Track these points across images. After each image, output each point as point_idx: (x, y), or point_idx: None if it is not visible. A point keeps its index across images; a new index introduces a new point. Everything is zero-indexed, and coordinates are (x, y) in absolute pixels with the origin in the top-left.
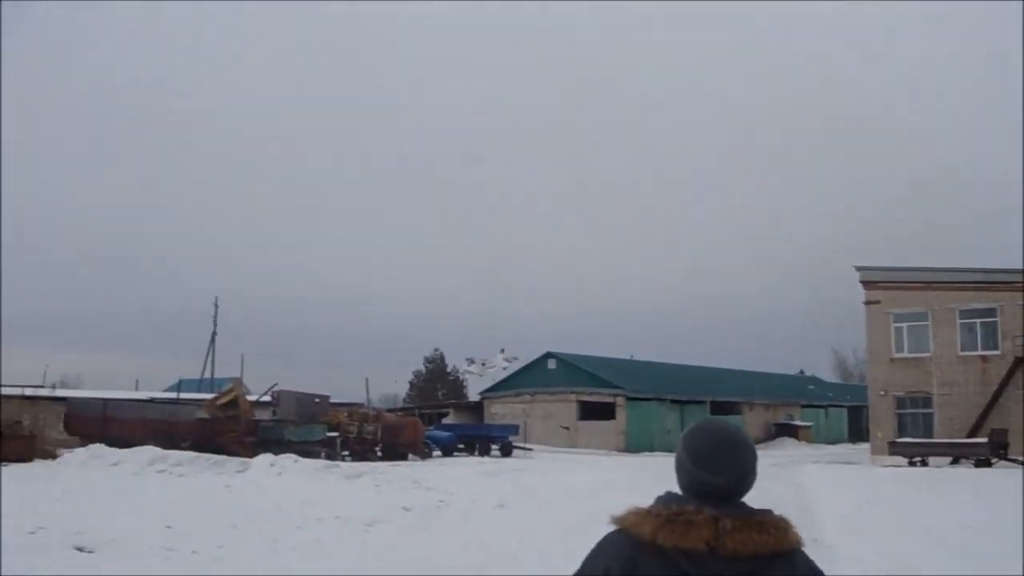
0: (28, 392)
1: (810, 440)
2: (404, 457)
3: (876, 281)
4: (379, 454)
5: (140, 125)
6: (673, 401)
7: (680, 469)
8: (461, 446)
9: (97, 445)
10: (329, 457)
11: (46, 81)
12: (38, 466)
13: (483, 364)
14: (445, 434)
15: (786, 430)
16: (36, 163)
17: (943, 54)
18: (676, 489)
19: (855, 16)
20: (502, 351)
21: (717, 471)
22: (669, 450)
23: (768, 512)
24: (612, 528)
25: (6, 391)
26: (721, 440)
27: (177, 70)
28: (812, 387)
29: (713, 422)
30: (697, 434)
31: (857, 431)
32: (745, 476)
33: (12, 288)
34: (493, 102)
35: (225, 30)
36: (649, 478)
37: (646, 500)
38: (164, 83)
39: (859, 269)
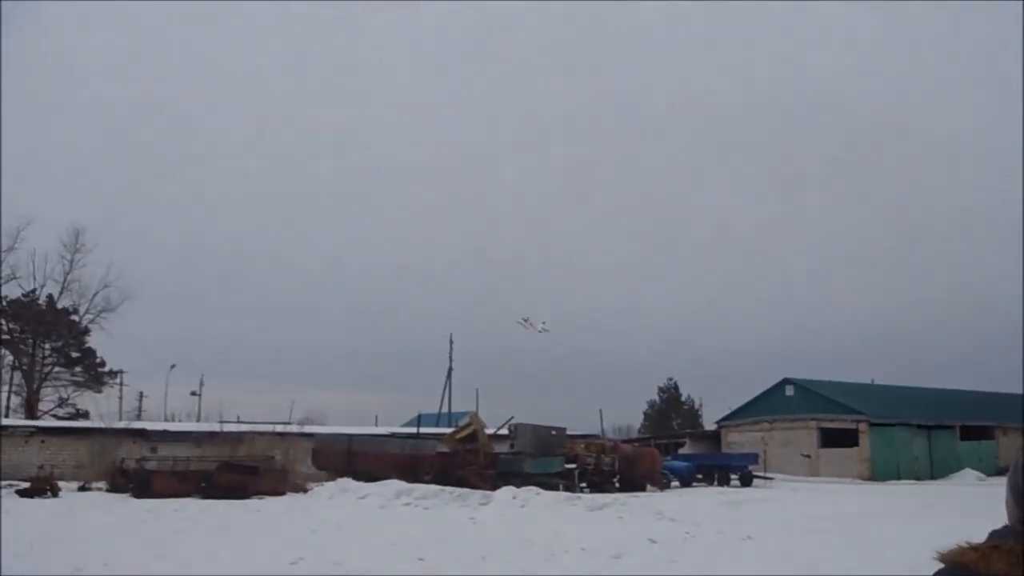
0: (279, 428)
1: None
2: (642, 488)
3: None
4: (617, 485)
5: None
6: (920, 426)
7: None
8: (699, 476)
9: (345, 479)
10: (568, 489)
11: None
12: (291, 499)
13: None
14: (683, 464)
15: None
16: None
17: None
18: (963, 519)
19: None
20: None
21: None
22: (917, 478)
23: None
24: (940, 566)
25: (259, 428)
26: None
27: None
28: None
29: None
30: None
31: None
32: None
33: (257, 330)
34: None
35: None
36: (909, 508)
37: (919, 531)
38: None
39: None
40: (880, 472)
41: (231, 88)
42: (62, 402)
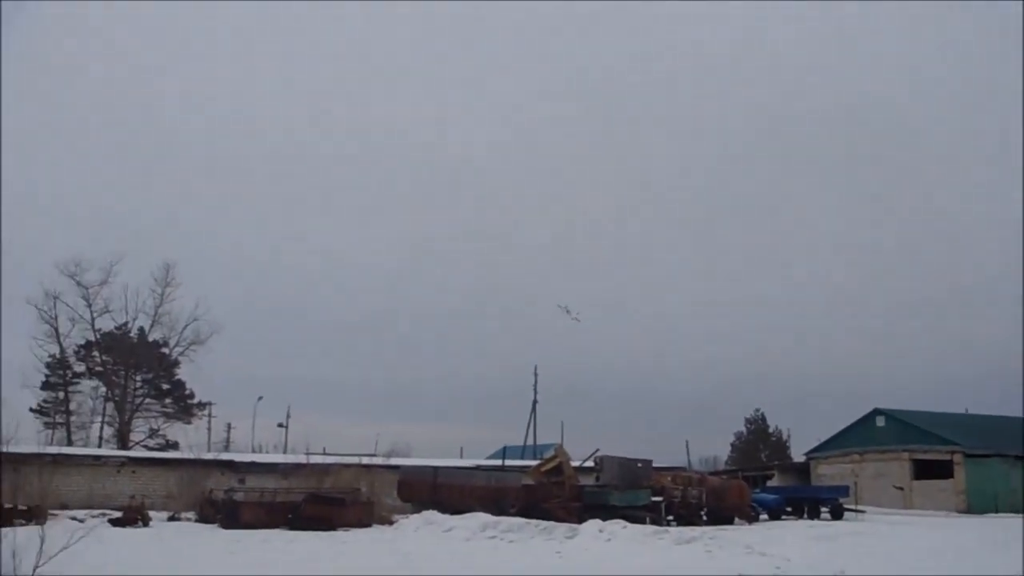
0: (364, 461)
1: None
2: (730, 521)
3: None
4: (704, 518)
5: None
6: (1017, 457)
7: None
8: (788, 509)
9: (430, 511)
10: (655, 522)
11: None
12: (377, 531)
13: None
14: (771, 497)
15: None
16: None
17: None
18: None
19: None
20: None
21: None
22: (1016, 510)
23: None
24: None
25: (345, 460)
26: None
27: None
28: None
29: None
30: None
31: None
32: None
33: (342, 362)
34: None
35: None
36: (1011, 542)
37: None
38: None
39: None
40: (977, 505)
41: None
42: (153, 433)
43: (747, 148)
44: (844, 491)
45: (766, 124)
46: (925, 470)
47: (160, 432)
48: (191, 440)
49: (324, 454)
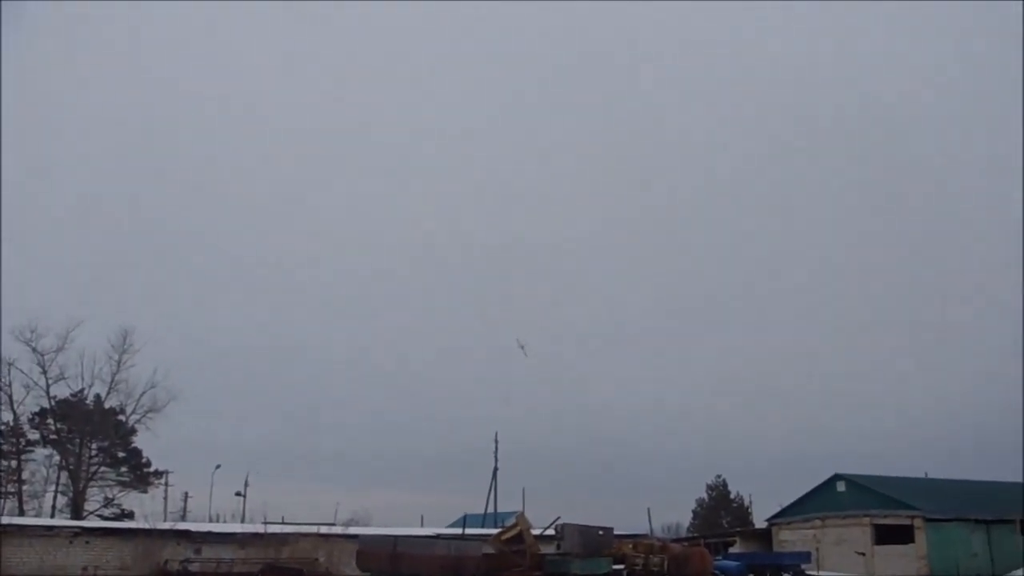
0: (323, 530)
1: None
2: None
3: None
4: None
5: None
6: (978, 521)
7: None
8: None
9: None
10: None
11: None
12: None
13: None
14: (734, 563)
15: None
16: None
17: None
18: None
19: None
20: None
21: None
22: (978, 575)
23: None
24: None
25: (304, 529)
26: None
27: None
28: None
29: None
30: None
31: None
32: None
33: (302, 431)
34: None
35: None
36: None
37: None
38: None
39: None
40: (938, 569)
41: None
42: (108, 502)
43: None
44: (806, 557)
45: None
46: (886, 535)
47: (115, 501)
48: (147, 509)
49: (282, 523)
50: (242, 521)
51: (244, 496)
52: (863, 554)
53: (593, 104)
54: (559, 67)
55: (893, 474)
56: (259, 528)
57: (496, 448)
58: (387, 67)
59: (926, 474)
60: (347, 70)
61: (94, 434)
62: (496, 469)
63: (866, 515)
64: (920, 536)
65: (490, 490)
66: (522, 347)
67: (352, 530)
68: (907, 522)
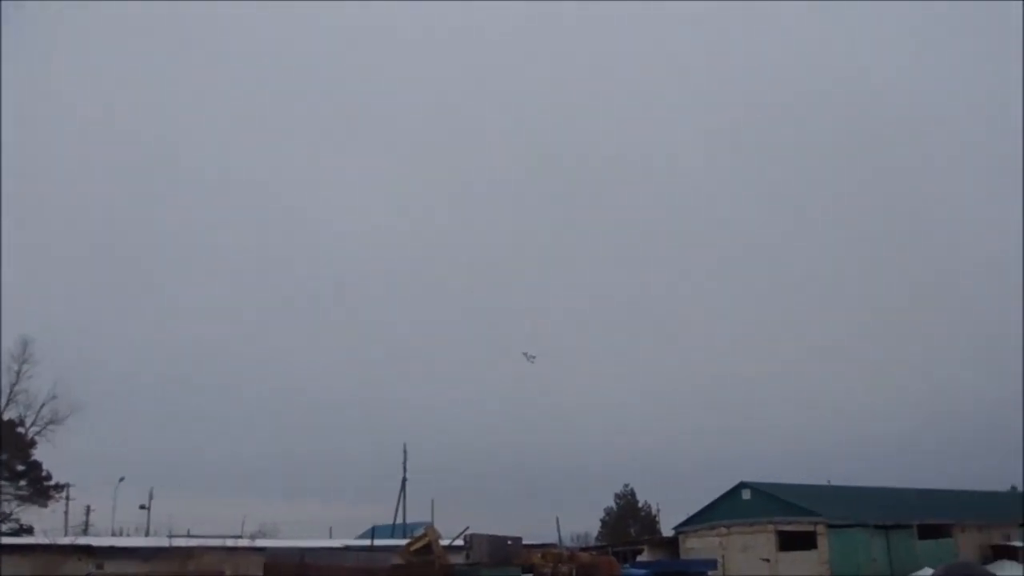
0: (229, 543)
1: None
2: None
3: None
4: None
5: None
6: (877, 526)
7: None
8: None
9: None
10: None
11: None
12: None
13: None
14: (641, 572)
15: (1005, 552)
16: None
17: None
18: None
19: None
20: None
21: None
22: None
23: None
24: None
25: (209, 542)
26: None
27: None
28: None
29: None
30: None
31: None
32: None
33: (211, 439)
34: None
35: None
36: None
37: None
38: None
39: None
40: (839, 574)
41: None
42: (5, 517)
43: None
44: (712, 564)
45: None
46: (790, 541)
47: (13, 516)
48: (47, 524)
49: (188, 536)
50: (146, 535)
51: (149, 509)
52: (768, 560)
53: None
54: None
55: (797, 482)
56: (164, 542)
57: (405, 459)
58: None
59: (828, 481)
60: None
61: None
62: (405, 480)
63: (770, 522)
64: (822, 542)
65: (399, 501)
66: (532, 358)
67: (259, 543)
68: (810, 528)
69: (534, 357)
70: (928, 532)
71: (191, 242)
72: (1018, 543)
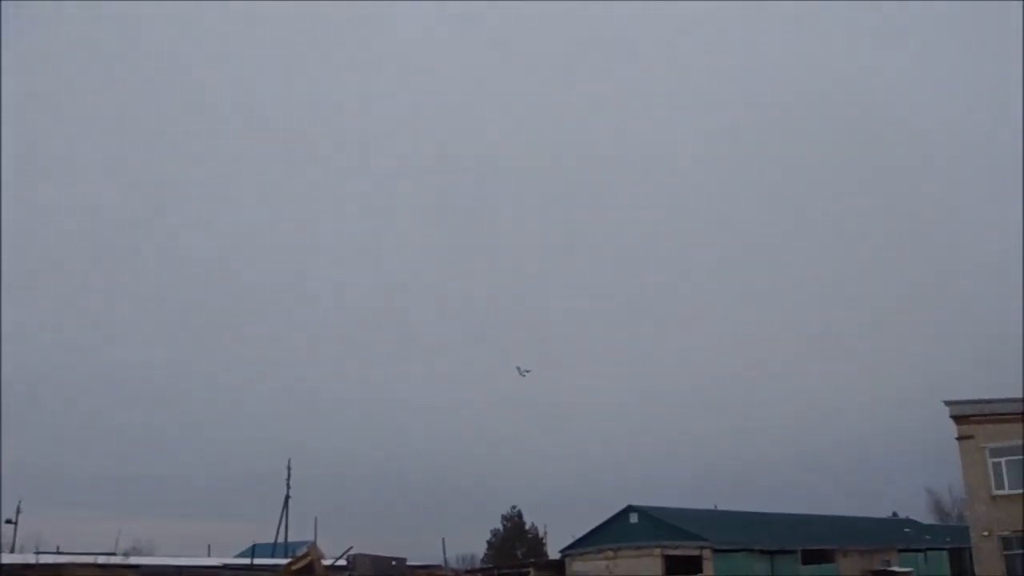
0: (101, 560)
1: None
2: None
3: (968, 415)
4: None
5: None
6: (762, 551)
7: None
8: None
9: None
10: None
11: None
12: None
13: None
14: None
15: None
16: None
17: None
18: None
19: None
20: None
21: None
22: None
23: None
24: None
25: (80, 559)
26: None
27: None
28: (908, 530)
29: None
30: None
31: (960, 574)
32: None
33: (82, 452)
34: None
35: None
36: None
37: None
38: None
39: (949, 404)
40: None
41: None
42: None
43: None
44: None
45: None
46: (676, 565)
47: None
48: None
49: (57, 553)
50: (12, 551)
51: (15, 524)
52: None
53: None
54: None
55: (685, 505)
56: (30, 558)
57: (288, 475)
58: None
59: (715, 506)
60: None
61: None
62: (288, 497)
63: (658, 546)
64: (708, 566)
65: (281, 519)
66: (525, 372)
67: (133, 560)
68: (696, 553)
69: (528, 371)
70: (811, 557)
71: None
72: (897, 568)
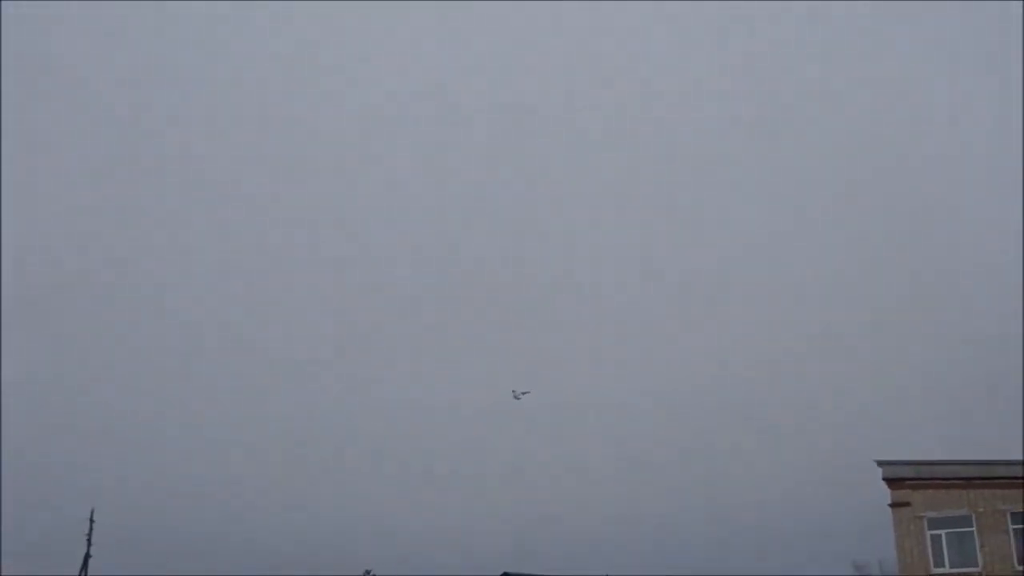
0: None
1: None
2: None
3: (904, 478)
4: None
5: None
6: None
7: None
8: None
9: None
10: None
11: None
12: None
13: None
14: None
15: None
16: None
17: None
18: None
19: None
20: None
21: None
22: None
23: None
24: None
25: None
26: None
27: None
28: None
29: None
30: None
31: None
32: None
33: None
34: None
35: None
36: None
37: None
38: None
39: (881, 464)
40: None
41: None
42: None
43: None
44: None
45: None
46: None
47: None
48: None
49: None
50: None
51: None
52: None
53: None
54: None
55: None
56: None
57: (91, 529)
58: None
59: (606, 574)
60: None
61: None
62: (88, 556)
63: None
64: None
65: None
66: (521, 395)
67: None
68: None
69: (525, 393)
70: None
71: None
72: None
